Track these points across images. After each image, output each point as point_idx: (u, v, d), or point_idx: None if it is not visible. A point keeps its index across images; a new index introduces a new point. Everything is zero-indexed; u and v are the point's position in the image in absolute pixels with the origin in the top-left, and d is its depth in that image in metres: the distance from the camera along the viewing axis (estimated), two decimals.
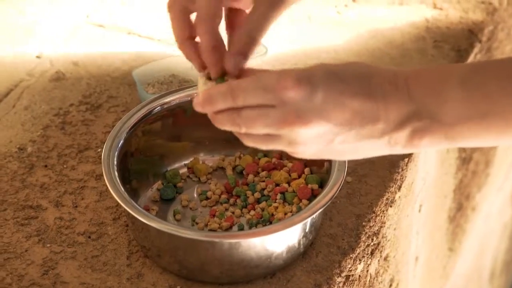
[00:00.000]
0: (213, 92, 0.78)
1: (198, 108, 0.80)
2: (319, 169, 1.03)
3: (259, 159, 1.07)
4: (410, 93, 0.75)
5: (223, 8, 0.85)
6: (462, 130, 0.74)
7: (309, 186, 1.02)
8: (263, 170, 1.06)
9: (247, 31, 0.82)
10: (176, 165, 1.08)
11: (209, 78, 0.83)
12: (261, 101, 0.76)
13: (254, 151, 1.08)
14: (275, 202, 1.02)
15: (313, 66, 0.77)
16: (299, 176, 1.04)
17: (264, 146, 0.79)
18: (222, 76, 0.82)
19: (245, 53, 0.82)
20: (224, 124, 0.79)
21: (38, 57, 1.25)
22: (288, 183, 1.04)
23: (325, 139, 0.76)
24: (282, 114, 0.75)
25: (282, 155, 1.07)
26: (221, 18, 0.84)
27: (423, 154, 1.14)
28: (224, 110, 0.78)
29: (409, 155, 1.10)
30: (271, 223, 1.00)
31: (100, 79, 1.21)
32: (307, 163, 1.04)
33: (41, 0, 1.34)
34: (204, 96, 0.79)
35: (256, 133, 0.78)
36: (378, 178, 1.07)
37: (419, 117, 0.75)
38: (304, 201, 1.01)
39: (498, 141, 0.76)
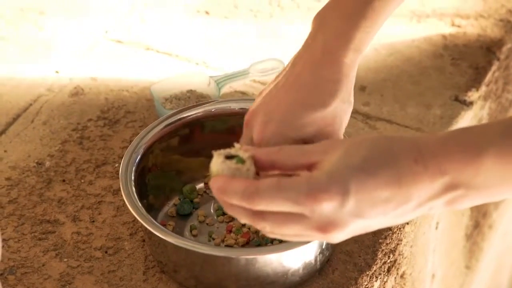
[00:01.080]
0: (228, 186, 0.74)
1: (214, 191, 0.76)
2: None
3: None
4: (441, 168, 0.73)
5: None
6: (499, 191, 0.74)
7: None
8: None
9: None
10: (193, 181, 1.08)
11: (226, 157, 0.78)
12: (288, 210, 0.73)
13: None
14: None
15: (340, 168, 0.73)
16: None
17: (294, 239, 0.77)
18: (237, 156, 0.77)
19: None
20: (241, 218, 0.76)
21: (57, 72, 1.26)
22: None
23: (361, 229, 0.75)
24: (316, 223, 0.73)
25: None
26: None
27: None
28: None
29: None
30: None
31: (118, 94, 1.22)
32: None
33: (60, 16, 1.35)
34: (219, 185, 0.75)
35: (283, 233, 0.75)
36: None
37: (454, 188, 0.73)
38: None
39: None
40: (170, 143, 1.06)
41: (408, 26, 1.32)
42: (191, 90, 1.17)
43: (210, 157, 1.10)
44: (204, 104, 1.08)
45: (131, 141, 1.09)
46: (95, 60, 1.28)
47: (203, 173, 1.08)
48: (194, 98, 1.17)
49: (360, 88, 1.22)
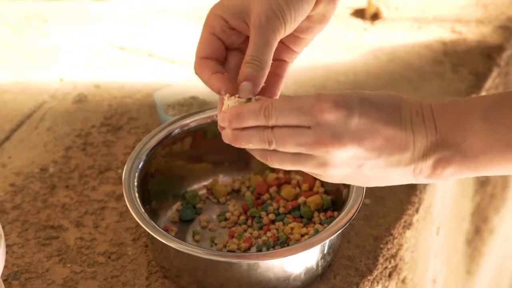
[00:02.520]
0: (243, 109, 0.80)
1: (224, 123, 0.81)
2: (331, 183, 1.03)
3: (267, 176, 1.08)
4: (436, 124, 0.77)
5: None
6: (485, 161, 0.76)
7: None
8: (272, 187, 1.07)
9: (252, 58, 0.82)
10: (196, 186, 1.09)
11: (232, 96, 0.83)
12: (295, 122, 0.78)
13: (261, 170, 1.09)
14: (291, 222, 1.03)
15: (348, 92, 0.78)
16: (311, 188, 1.05)
17: (291, 166, 0.80)
18: (250, 98, 0.82)
19: (254, 80, 0.82)
20: (251, 140, 0.80)
21: (60, 79, 1.27)
22: (299, 195, 1.05)
23: (356, 163, 0.78)
24: (317, 135, 0.77)
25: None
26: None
27: None
28: (251, 127, 0.79)
29: None
30: (288, 244, 1.01)
31: (121, 101, 1.23)
32: None
33: (64, 23, 1.36)
34: (232, 112, 0.80)
35: (286, 151, 0.79)
36: (396, 200, 1.07)
37: (443, 147, 0.77)
38: (321, 215, 1.02)
39: None
40: (172, 149, 1.07)
41: (408, 33, 1.33)
42: (194, 97, 1.18)
43: (212, 163, 1.12)
44: (207, 110, 1.08)
45: (134, 147, 1.10)
46: (99, 67, 1.29)
47: (206, 178, 1.10)
48: (196, 104, 1.18)
49: None
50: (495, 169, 0.77)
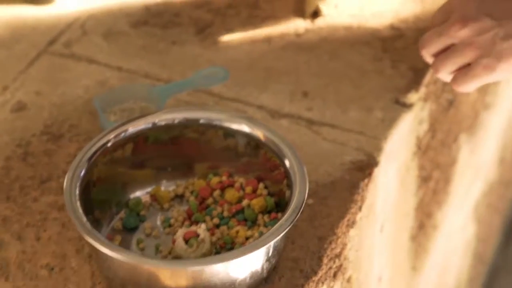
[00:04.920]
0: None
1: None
2: (274, 185, 1.04)
3: (210, 180, 1.08)
4: None
5: None
6: None
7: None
8: (215, 190, 1.07)
9: None
10: (139, 193, 1.08)
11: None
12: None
13: (205, 174, 1.09)
14: (236, 226, 1.03)
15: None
16: (254, 191, 1.05)
17: (457, 59, 1.01)
18: None
19: None
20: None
21: None
22: (243, 198, 1.05)
23: (491, 32, 0.98)
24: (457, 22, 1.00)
25: (231, 173, 1.08)
26: None
27: (383, 174, 1.16)
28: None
29: (368, 175, 1.11)
30: (233, 248, 1.01)
31: (62, 108, 1.21)
32: (262, 176, 1.05)
33: (2, 28, 1.34)
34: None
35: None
36: (339, 199, 1.08)
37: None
38: (266, 218, 1.03)
39: None
40: (114, 156, 1.06)
41: (348, 31, 1.34)
42: (135, 102, 1.18)
43: (155, 169, 1.11)
44: (148, 115, 1.08)
45: (75, 156, 1.09)
46: (38, 74, 1.27)
47: (149, 185, 1.09)
48: (138, 109, 1.17)
49: (303, 94, 1.23)
50: None
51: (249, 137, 1.06)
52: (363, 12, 1.36)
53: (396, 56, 1.29)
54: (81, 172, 1.01)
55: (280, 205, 1.04)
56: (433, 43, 1.03)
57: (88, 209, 0.99)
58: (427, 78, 1.26)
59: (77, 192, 0.99)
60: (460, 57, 1.01)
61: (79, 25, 1.34)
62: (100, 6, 1.37)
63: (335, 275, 1.04)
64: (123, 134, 1.06)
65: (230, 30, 1.33)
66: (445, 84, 1.31)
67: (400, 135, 1.20)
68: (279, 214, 1.03)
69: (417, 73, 1.26)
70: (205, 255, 0.98)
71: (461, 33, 1.00)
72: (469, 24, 1.00)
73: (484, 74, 1.00)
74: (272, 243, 0.95)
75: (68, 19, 1.35)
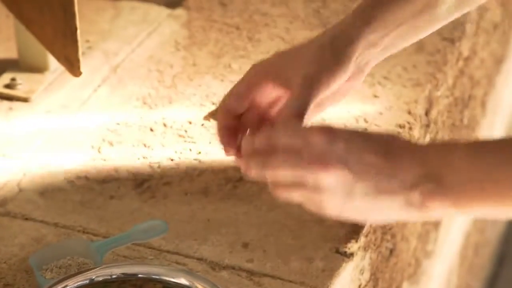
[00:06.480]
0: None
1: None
2: None
3: None
4: (424, 157, 0.83)
5: None
6: (464, 197, 0.80)
7: None
8: None
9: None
10: None
11: None
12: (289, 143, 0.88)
13: None
14: None
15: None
16: None
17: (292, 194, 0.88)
18: None
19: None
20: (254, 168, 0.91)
21: None
22: None
23: (346, 189, 0.83)
24: (308, 156, 0.85)
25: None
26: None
27: None
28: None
29: None
30: None
31: None
32: None
33: None
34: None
35: (283, 179, 0.88)
36: None
37: (428, 179, 0.81)
38: None
39: (496, 211, 0.81)
40: None
41: None
42: (72, 258, 1.16)
43: None
44: (85, 271, 1.06)
45: None
46: None
47: None
48: (75, 265, 1.15)
49: (243, 245, 1.22)
50: (475, 207, 0.80)
51: None
52: None
53: None
54: None
55: None
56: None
57: None
58: (366, 227, 1.26)
59: None
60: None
61: (16, 183, 1.33)
62: (38, 164, 1.37)
63: None
64: None
65: (168, 184, 1.33)
66: (384, 233, 1.32)
67: (341, 285, 1.19)
68: None
69: (356, 223, 1.26)
70: None
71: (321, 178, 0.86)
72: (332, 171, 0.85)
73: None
74: None
75: (2, 178, 1.34)
